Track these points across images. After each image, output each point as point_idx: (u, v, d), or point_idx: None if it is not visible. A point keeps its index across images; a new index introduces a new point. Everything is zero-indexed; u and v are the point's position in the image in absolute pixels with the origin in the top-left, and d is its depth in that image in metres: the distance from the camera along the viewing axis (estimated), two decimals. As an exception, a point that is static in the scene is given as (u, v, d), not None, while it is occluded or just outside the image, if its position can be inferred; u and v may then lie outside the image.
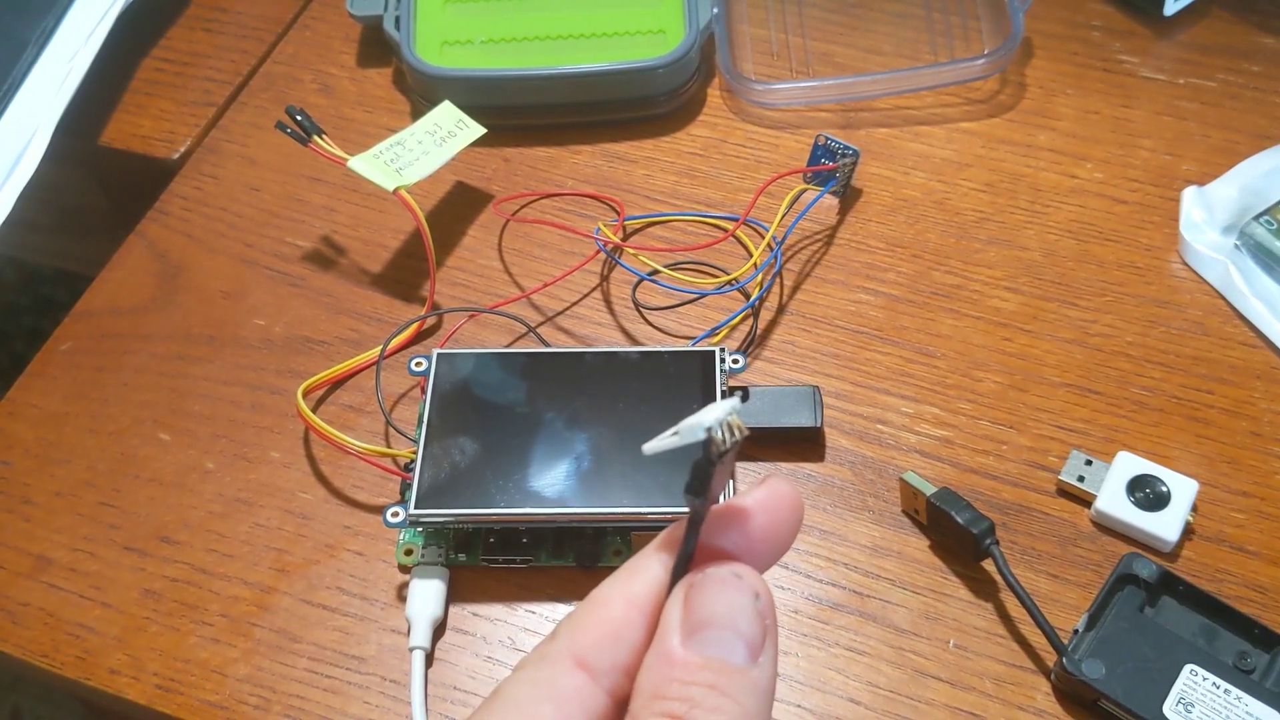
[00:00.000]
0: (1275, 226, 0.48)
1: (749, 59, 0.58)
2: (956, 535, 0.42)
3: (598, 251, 0.51)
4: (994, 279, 0.50)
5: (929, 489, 0.42)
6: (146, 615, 0.43)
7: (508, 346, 0.49)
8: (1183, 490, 0.43)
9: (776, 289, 0.50)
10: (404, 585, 0.43)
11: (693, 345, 0.48)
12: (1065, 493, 0.44)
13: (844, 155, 0.51)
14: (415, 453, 0.43)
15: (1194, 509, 0.43)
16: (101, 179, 0.63)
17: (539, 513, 0.41)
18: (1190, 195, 0.51)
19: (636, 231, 0.53)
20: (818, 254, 0.51)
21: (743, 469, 0.45)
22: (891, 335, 0.49)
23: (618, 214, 0.53)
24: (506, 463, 0.42)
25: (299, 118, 0.51)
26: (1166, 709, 0.38)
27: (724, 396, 0.44)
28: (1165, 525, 0.42)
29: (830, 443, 0.46)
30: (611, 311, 0.50)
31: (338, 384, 0.48)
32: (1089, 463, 0.44)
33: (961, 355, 0.48)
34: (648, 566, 0.25)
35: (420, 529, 0.43)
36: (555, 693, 0.24)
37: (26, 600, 0.44)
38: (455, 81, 0.55)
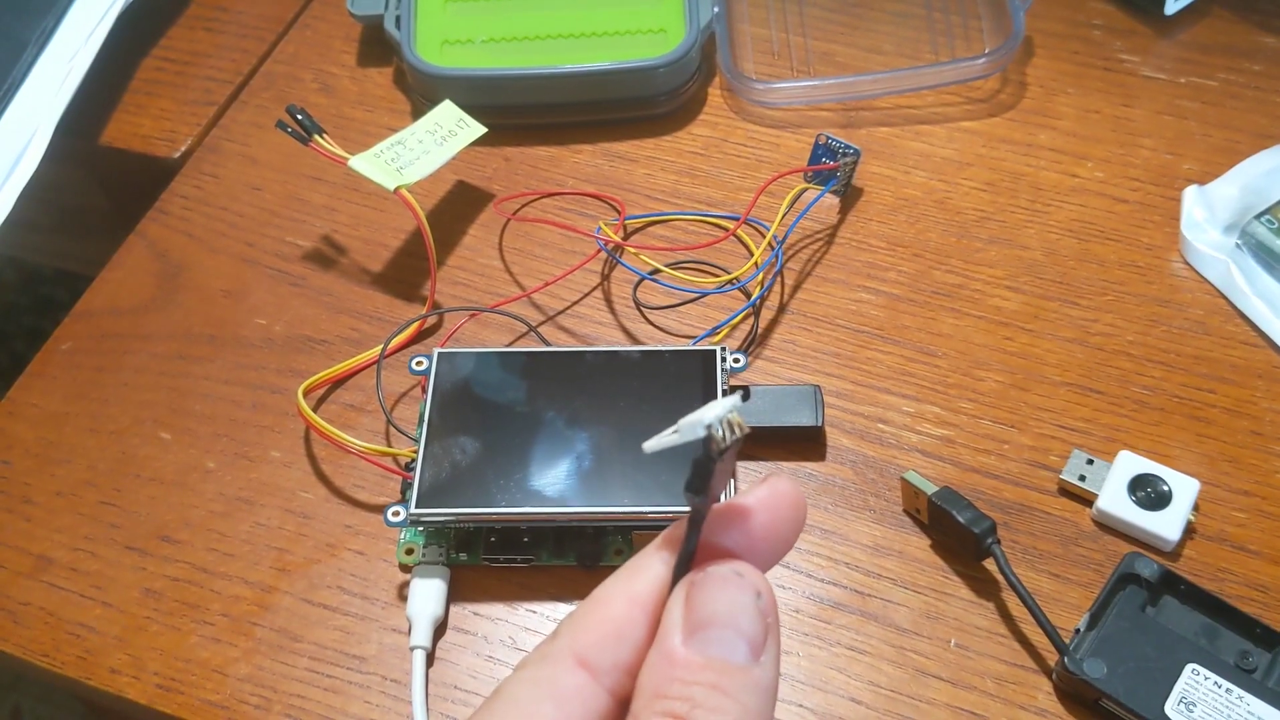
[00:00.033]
0: (1276, 225, 0.48)
1: (750, 58, 0.58)
2: (958, 534, 0.42)
3: (598, 251, 0.51)
4: (995, 278, 0.50)
5: (930, 488, 0.42)
6: (147, 615, 0.43)
7: (508, 346, 0.49)
8: (1184, 489, 0.43)
9: (777, 288, 0.50)
10: (405, 584, 0.43)
11: (694, 344, 0.48)
12: (1067, 492, 0.44)
13: (845, 154, 0.51)
14: (416, 452, 0.43)
15: (1195, 508, 0.43)
16: (102, 179, 0.63)
17: (540, 512, 0.41)
18: (1191, 194, 0.50)
19: (637, 231, 0.53)
20: (819, 253, 0.51)
21: (744, 468, 0.45)
22: (893, 334, 0.49)
23: (619, 213, 0.53)
24: (507, 462, 0.42)
25: (300, 117, 0.51)
26: (1168, 708, 0.38)
27: (725, 396, 0.43)
28: (1167, 524, 0.42)
29: (831, 442, 0.46)
30: (612, 310, 0.50)
31: (338, 383, 0.48)
32: (1090, 462, 0.44)
33: (963, 354, 0.48)
34: (649, 565, 0.25)
35: (421, 528, 0.43)
36: (556, 692, 0.24)
37: (27, 600, 0.44)
38: (456, 81, 0.55)
